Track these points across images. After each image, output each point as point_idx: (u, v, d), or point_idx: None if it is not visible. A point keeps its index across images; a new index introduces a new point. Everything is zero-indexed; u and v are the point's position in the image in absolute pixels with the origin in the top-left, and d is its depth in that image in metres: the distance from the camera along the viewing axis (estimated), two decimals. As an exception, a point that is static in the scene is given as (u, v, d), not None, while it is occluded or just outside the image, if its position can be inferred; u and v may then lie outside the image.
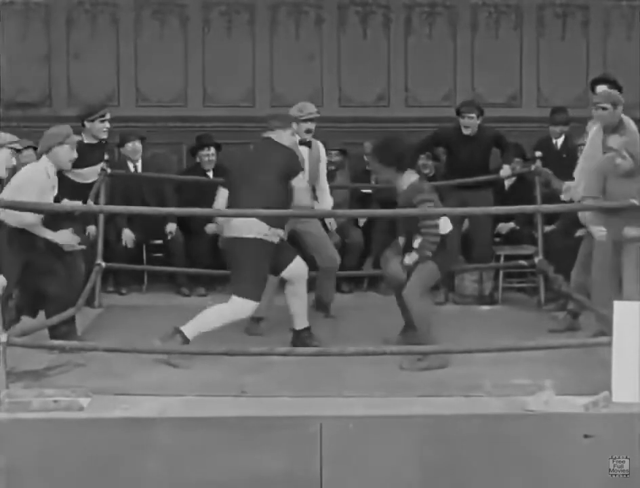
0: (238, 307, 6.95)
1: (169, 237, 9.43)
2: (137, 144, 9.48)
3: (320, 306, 8.33)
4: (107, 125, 7.71)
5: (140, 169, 9.55)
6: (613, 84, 8.40)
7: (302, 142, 8.05)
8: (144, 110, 10.48)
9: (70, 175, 7.56)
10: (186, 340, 6.84)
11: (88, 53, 10.59)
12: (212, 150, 9.76)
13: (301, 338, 7.24)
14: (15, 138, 7.04)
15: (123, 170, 9.34)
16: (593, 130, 7.90)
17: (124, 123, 9.82)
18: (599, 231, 7.21)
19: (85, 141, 7.67)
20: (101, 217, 8.85)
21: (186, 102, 10.70)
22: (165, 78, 10.60)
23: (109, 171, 8.97)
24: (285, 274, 7.24)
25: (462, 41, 10.87)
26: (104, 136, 7.69)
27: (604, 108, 7.71)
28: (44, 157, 7.10)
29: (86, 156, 7.64)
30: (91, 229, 8.88)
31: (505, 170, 9.12)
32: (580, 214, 7.69)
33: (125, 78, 10.64)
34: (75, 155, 7.20)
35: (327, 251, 8.07)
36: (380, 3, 10.88)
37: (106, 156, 9.14)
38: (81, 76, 10.48)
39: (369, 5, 10.87)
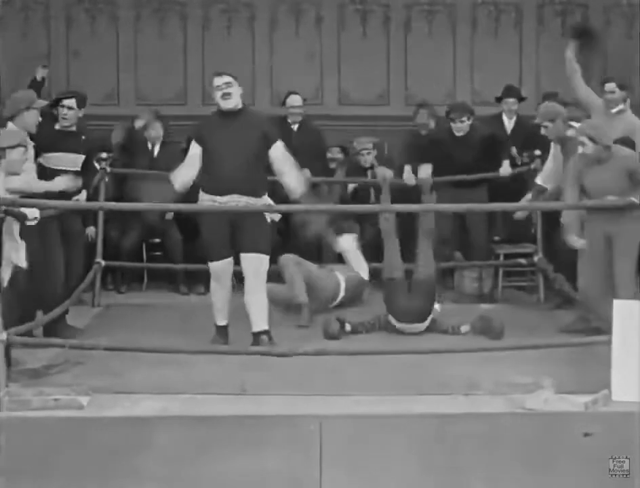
0: (264, 265, 7.16)
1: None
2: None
3: None
4: (68, 112, 7.69)
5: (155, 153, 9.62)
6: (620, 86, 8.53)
7: None
8: (143, 109, 10.47)
9: (41, 161, 7.53)
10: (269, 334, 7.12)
11: (88, 52, 10.61)
12: None
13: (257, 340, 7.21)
14: (24, 134, 6.95)
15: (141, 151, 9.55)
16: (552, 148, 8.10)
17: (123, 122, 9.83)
18: (577, 241, 7.27)
19: (56, 127, 7.66)
20: (100, 216, 8.85)
21: (185, 101, 10.71)
22: (164, 77, 10.61)
23: (109, 170, 8.99)
24: (244, 260, 7.22)
25: (461, 39, 10.88)
26: (66, 123, 7.70)
27: (545, 126, 7.97)
28: (9, 124, 7.09)
29: (57, 141, 7.62)
30: (90, 230, 8.89)
31: (505, 168, 9.12)
32: (561, 220, 7.74)
33: (125, 77, 10.66)
34: (39, 118, 7.20)
35: None
36: (380, 1, 10.90)
37: (104, 155, 9.12)
38: (80, 75, 10.49)
39: (368, 3, 10.89)
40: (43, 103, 7.32)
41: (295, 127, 9.80)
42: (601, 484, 5.61)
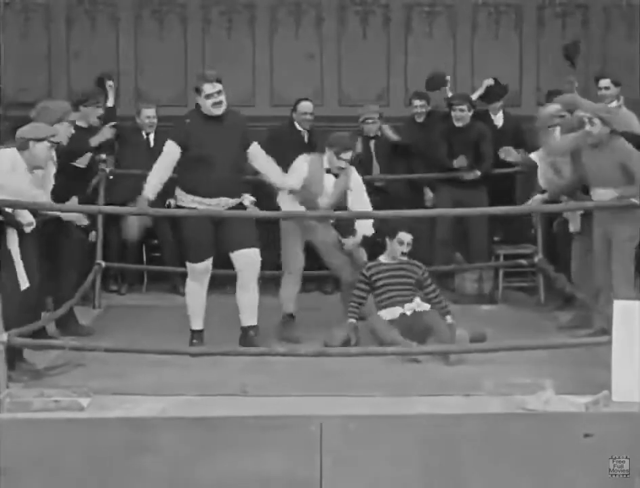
0: (258, 258, 7.30)
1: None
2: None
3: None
4: (100, 111, 7.77)
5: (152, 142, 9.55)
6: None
7: None
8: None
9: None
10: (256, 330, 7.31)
11: (88, 53, 10.61)
12: None
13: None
14: (54, 130, 6.88)
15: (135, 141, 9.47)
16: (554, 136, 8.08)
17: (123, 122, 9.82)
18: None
19: (77, 124, 7.71)
20: (100, 218, 8.84)
21: (186, 102, 10.67)
22: (164, 78, 10.61)
23: (108, 170, 8.99)
24: (238, 258, 7.25)
25: (461, 41, 10.88)
26: (96, 122, 7.76)
27: (562, 116, 7.91)
28: None
29: (78, 139, 7.65)
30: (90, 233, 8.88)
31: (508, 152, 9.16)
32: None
33: (125, 78, 10.64)
34: (72, 131, 7.25)
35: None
36: (380, 2, 10.90)
37: (103, 157, 9.12)
38: (80, 76, 10.48)
39: (369, 4, 10.89)
40: (76, 116, 7.37)
41: (305, 135, 9.67)
42: (601, 484, 5.61)
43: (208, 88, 7.13)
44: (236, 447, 5.59)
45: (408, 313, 7.38)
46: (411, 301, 7.44)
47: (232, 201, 7.19)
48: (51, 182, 7.09)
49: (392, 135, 9.65)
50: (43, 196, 6.69)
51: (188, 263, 7.27)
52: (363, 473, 5.62)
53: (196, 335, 7.27)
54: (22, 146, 6.61)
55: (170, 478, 5.59)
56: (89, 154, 7.89)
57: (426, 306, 7.45)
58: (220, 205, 7.12)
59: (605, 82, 8.55)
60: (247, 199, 7.23)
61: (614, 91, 8.46)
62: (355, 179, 7.95)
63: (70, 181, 7.52)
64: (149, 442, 5.60)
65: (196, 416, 5.78)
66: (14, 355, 6.42)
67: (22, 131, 6.71)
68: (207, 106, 7.14)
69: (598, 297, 7.50)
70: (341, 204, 7.91)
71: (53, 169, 7.14)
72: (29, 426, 5.62)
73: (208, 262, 7.22)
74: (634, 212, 6.98)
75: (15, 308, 6.33)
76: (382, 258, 7.64)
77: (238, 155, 7.20)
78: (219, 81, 7.17)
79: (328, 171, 7.81)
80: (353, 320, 7.44)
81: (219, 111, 7.15)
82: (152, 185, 7.14)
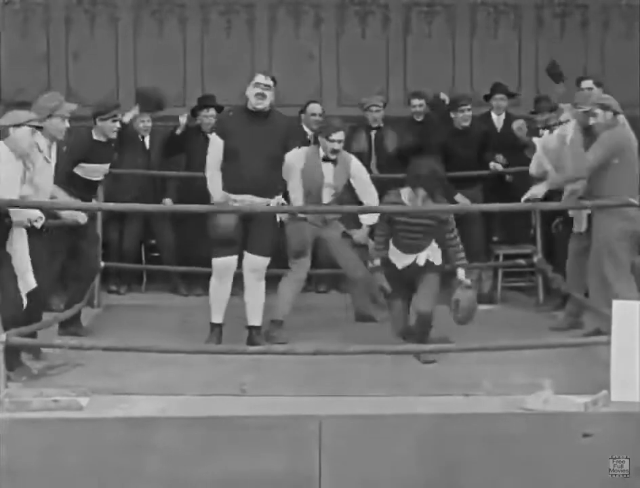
0: (265, 265, 7.28)
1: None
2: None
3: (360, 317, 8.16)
4: (117, 124, 7.79)
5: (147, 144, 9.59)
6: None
7: None
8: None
9: (77, 171, 7.59)
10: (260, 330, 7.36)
11: (87, 53, 10.63)
12: (212, 111, 9.61)
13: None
14: (33, 116, 6.73)
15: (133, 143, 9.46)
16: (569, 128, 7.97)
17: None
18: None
19: (95, 138, 7.72)
20: (99, 216, 8.84)
21: (184, 102, 10.70)
22: (164, 78, 10.60)
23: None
24: (249, 260, 7.26)
25: (460, 40, 10.90)
26: (114, 136, 7.77)
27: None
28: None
29: (95, 153, 7.67)
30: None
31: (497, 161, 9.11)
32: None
33: (124, 78, 10.66)
34: (67, 125, 7.09)
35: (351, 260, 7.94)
36: (379, 2, 10.91)
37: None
38: (80, 76, 10.50)
39: (368, 4, 10.90)
40: (71, 106, 7.23)
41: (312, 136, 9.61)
42: (601, 484, 5.61)
43: (260, 78, 7.27)
44: (235, 447, 5.59)
45: (420, 263, 7.29)
46: (425, 248, 7.32)
47: (259, 200, 7.13)
48: (48, 184, 7.02)
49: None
50: (37, 193, 6.69)
51: (212, 259, 7.27)
52: (363, 472, 5.62)
53: (213, 328, 7.28)
54: (3, 134, 6.59)
55: (170, 478, 5.59)
56: (105, 167, 7.88)
57: (437, 257, 7.35)
58: (245, 202, 7.10)
59: (587, 83, 8.48)
60: (277, 202, 7.17)
61: (597, 92, 8.37)
62: (356, 166, 7.96)
63: (82, 193, 7.52)
64: (148, 442, 5.60)
65: (195, 416, 5.78)
66: (13, 356, 6.40)
67: (0, 121, 6.66)
68: (251, 95, 7.22)
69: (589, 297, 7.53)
70: (345, 196, 7.94)
71: (49, 170, 7.09)
72: (28, 426, 5.62)
73: (231, 259, 7.20)
74: (623, 210, 6.98)
75: (14, 309, 6.33)
76: (404, 197, 7.33)
77: (273, 155, 7.18)
78: (273, 79, 7.28)
79: (326, 160, 7.81)
80: (378, 262, 7.33)
81: (261, 104, 7.19)
82: (215, 184, 7.21)
